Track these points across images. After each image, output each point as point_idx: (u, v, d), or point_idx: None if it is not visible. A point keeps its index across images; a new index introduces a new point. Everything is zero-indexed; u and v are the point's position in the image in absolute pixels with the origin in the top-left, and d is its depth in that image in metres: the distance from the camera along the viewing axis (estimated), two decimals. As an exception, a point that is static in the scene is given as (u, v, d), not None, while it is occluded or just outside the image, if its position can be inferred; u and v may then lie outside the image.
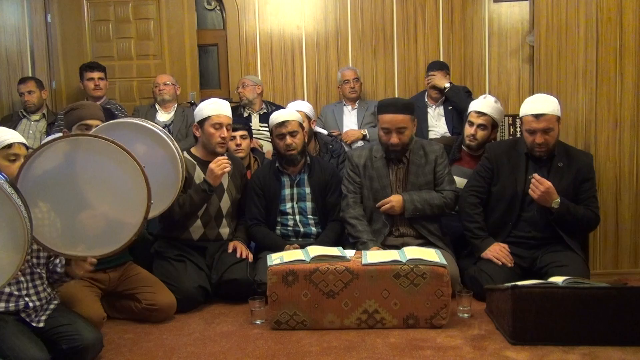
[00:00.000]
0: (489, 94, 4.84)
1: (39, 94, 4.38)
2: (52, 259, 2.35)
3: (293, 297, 2.58)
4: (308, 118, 3.87)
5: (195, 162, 3.15)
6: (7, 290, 2.18)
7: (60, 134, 3.22)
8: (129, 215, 2.26)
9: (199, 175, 3.11)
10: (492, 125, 3.38)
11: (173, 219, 3.04)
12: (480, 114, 3.36)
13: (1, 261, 1.90)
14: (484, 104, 3.38)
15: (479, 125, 3.36)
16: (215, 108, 3.11)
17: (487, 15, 4.84)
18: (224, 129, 3.11)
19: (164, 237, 3.17)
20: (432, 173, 3.10)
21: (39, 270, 2.28)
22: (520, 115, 2.95)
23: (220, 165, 3.01)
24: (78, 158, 2.23)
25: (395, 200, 3.00)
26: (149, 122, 2.75)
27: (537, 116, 2.85)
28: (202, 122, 3.12)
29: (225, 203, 3.19)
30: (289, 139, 3.19)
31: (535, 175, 2.84)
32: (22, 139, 2.35)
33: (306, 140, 3.48)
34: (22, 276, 2.23)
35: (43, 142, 2.31)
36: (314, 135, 3.98)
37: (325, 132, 4.31)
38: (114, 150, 2.21)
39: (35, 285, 2.27)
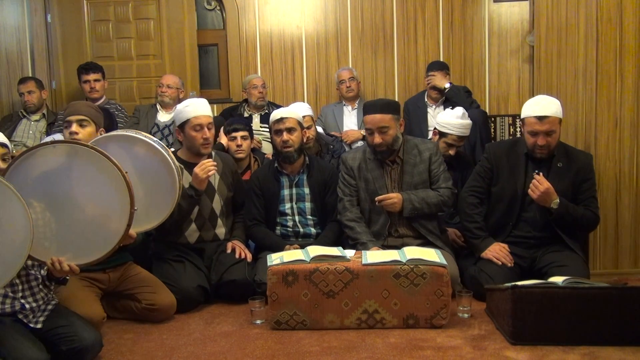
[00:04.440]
0: (489, 94, 4.88)
1: (39, 94, 4.38)
2: None
3: (293, 297, 2.58)
4: (313, 120, 3.90)
5: (182, 166, 3.08)
6: (1, 291, 2.17)
7: (51, 138, 3.24)
8: (114, 222, 2.25)
9: (186, 178, 3.04)
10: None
11: (164, 226, 2.96)
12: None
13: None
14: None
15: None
16: (193, 110, 3.04)
17: (487, 15, 4.84)
18: (205, 129, 3.04)
19: (161, 242, 3.14)
20: (427, 172, 3.10)
21: (33, 271, 2.27)
22: (522, 117, 2.94)
23: (205, 169, 2.95)
24: (63, 162, 2.22)
25: (397, 197, 3.00)
26: (143, 133, 2.69)
27: (541, 118, 2.83)
28: (182, 125, 3.06)
29: (217, 203, 3.16)
30: (285, 135, 3.18)
31: (538, 174, 2.83)
32: (2, 139, 2.30)
33: (305, 140, 3.48)
34: (16, 278, 2.21)
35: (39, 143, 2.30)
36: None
37: (322, 131, 4.31)
38: (96, 156, 2.21)
39: (31, 287, 2.25)
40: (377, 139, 3.00)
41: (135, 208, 2.25)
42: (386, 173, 3.10)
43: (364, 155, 3.14)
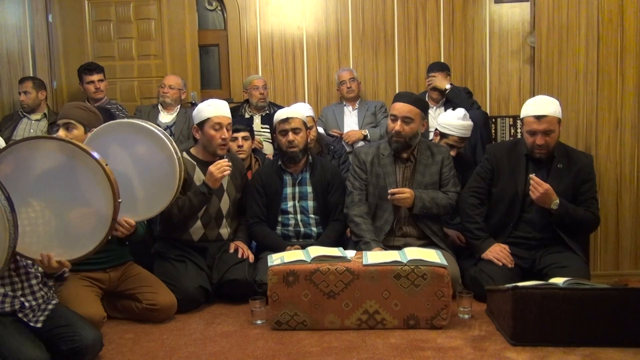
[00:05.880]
0: (490, 95, 4.88)
1: (35, 95, 4.36)
2: None
3: (294, 298, 2.58)
4: (314, 121, 3.90)
5: (195, 163, 3.14)
6: (1, 290, 2.17)
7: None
8: (103, 215, 2.24)
9: (198, 176, 3.09)
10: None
11: (172, 221, 3.03)
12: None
13: None
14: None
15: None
16: (214, 109, 3.08)
17: (488, 16, 4.84)
18: (224, 129, 3.08)
19: (165, 239, 3.16)
20: (438, 174, 3.11)
21: (33, 270, 2.26)
22: (522, 117, 2.95)
23: (220, 168, 2.98)
24: (52, 160, 2.22)
25: (409, 193, 3.00)
26: (148, 122, 2.73)
27: (539, 117, 2.85)
28: (201, 124, 3.10)
29: (224, 204, 3.18)
30: (291, 136, 3.19)
31: (533, 176, 2.84)
32: None
33: (309, 141, 3.48)
34: (16, 276, 2.21)
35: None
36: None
37: (323, 131, 4.31)
38: (76, 151, 2.20)
39: (30, 285, 2.25)
40: (398, 127, 3.02)
41: (120, 199, 2.24)
42: (398, 170, 3.11)
43: (378, 151, 3.15)
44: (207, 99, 3.26)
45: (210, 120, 3.07)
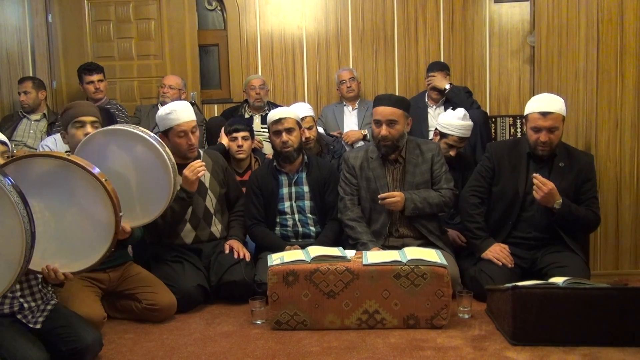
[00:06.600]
0: (489, 94, 4.88)
1: (35, 95, 4.36)
2: None
3: (293, 297, 2.58)
4: (314, 121, 3.91)
5: None
6: None
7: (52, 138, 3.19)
8: (104, 229, 2.23)
9: (177, 180, 3.06)
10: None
11: (158, 230, 3.00)
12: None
13: None
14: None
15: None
16: (176, 117, 3.01)
17: (487, 16, 4.84)
18: (190, 135, 3.03)
19: (158, 244, 3.14)
20: (429, 172, 3.10)
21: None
22: (526, 113, 2.94)
23: (194, 170, 2.95)
24: (57, 171, 2.20)
25: (399, 196, 3.00)
26: (140, 128, 2.70)
27: (544, 114, 2.84)
28: (166, 132, 3.06)
29: (210, 201, 3.16)
30: (285, 136, 3.18)
31: (537, 175, 2.83)
32: (1, 137, 2.34)
33: (305, 141, 3.47)
34: None
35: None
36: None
37: (323, 131, 4.31)
38: (77, 170, 2.18)
39: (30, 286, 2.25)
40: (384, 131, 3.00)
41: (121, 214, 2.24)
42: (388, 172, 3.10)
43: (366, 154, 3.14)
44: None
45: (173, 129, 3.02)
